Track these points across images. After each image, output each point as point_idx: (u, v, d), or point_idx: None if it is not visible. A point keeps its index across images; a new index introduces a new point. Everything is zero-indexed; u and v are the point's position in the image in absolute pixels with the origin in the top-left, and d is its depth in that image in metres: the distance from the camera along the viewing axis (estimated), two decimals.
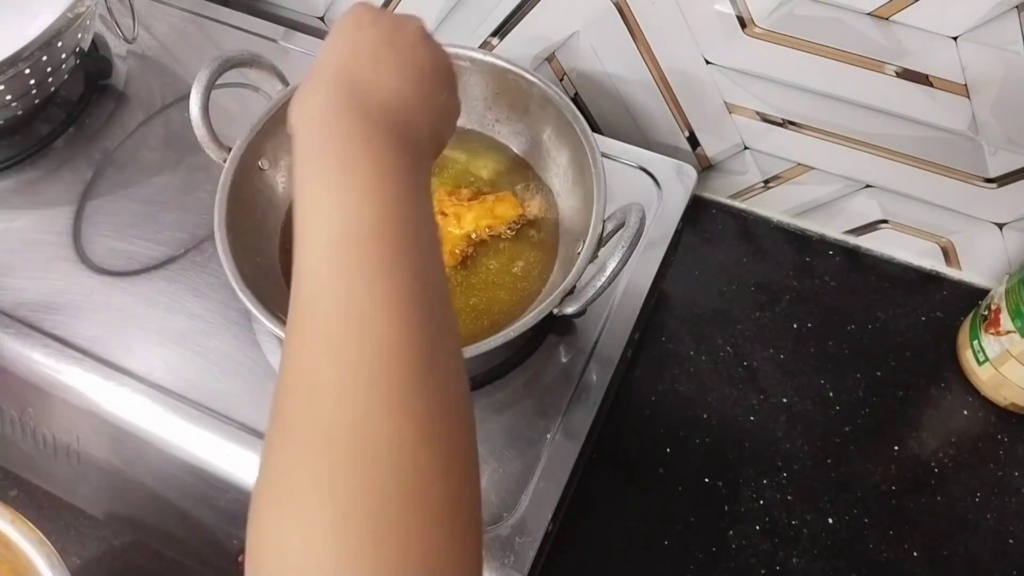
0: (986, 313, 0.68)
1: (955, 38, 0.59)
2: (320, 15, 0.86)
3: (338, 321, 0.31)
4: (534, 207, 0.64)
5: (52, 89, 0.71)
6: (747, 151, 0.77)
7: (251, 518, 0.30)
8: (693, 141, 0.78)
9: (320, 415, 0.30)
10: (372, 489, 0.28)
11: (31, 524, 0.55)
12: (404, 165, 0.35)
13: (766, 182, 0.79)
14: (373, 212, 0.33)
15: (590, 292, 0.52)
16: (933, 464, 0.68)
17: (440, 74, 0.42)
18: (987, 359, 0.68)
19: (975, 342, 0.69)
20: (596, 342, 0.61)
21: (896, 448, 0.69)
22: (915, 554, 0.64)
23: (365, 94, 0.37)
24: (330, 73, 0.38)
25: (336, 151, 0.35)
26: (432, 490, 0.29)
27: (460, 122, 0.47)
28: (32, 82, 0.67)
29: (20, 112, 0.69)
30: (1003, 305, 0.66)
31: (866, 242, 0.80)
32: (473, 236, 0.61)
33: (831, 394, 0.71)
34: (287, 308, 0.33)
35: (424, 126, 0.38)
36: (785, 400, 0.71)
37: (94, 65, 0.75)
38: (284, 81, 0.63)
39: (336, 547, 0.28)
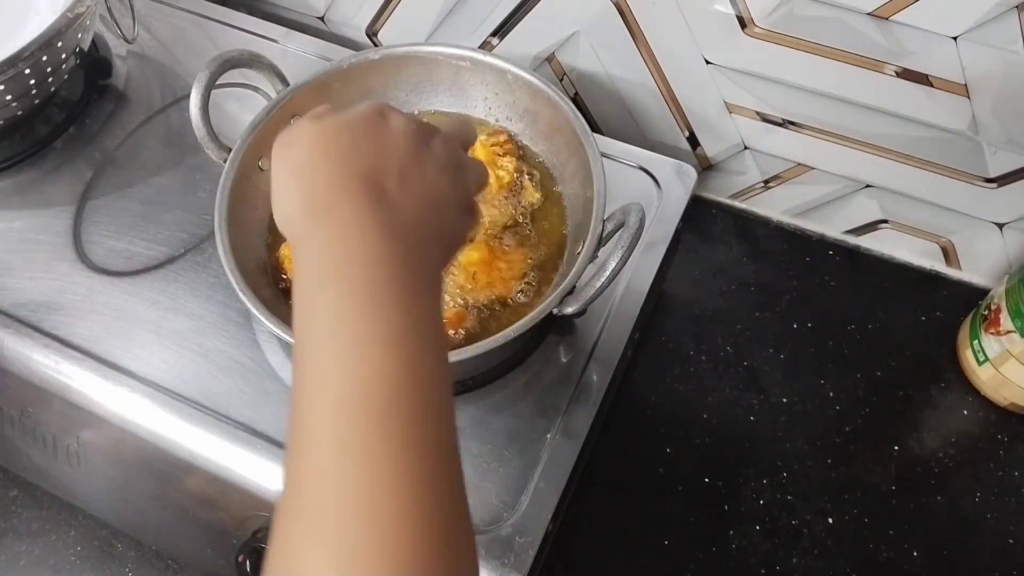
0: (986, 313, 0.68)
1: (955, 38, 0.59)
2: (320, 15, 0.86)
3: (335, 511, 0.28)
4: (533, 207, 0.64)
5: (52, 89, 0.71)
6: (747, 151, 0.77)
7: None
8: (693, 141, 0.78)
9: None
10: None
11: None
12: (423, 298, 0.32)
13: (766, 182, 0.79)
14: (396, 373, 0.29)
15: (590, 292, 0.52)
16: (933, 464, 0.68)
17: (462, 199, 0.39)
18: (987, 359, 0.68)
19: (975, 342, 0.69)
20: (596, 342, 0.61)
21: (896, 448, 0.68)
22: (915, 554, 0.64)
23: (392, 211, 0.33)
24: (357, 179, 0.34)
25: (357, 275, 0.31)
26: None
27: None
28: (32, 82, 0.67)
29: (20, 112, 0.69)
30: (1003, 305, 0.66)
31: (866, 242, 0.80)
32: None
33: (831, 394, 0.71)
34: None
35: (436, 253, 0.36)
36: (785, 400, 0.71)
37: (94, 65, 0.75)
38: (284, 81, 0.63)
39: None
